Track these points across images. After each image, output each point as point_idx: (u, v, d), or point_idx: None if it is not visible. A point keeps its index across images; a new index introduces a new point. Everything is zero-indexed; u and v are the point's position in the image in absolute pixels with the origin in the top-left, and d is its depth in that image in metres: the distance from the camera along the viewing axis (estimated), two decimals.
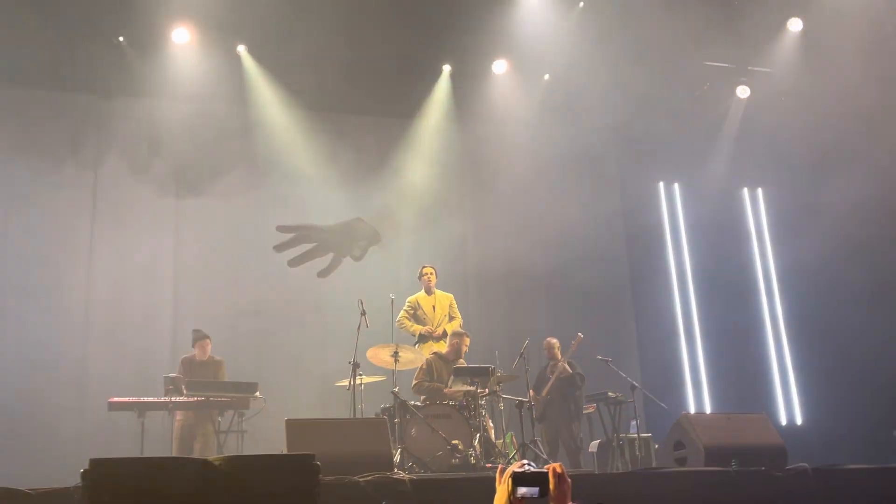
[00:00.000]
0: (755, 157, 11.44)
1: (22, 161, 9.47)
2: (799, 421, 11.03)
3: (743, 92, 10.93)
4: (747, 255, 11.80)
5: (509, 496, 2.44)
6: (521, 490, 2.43)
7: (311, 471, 3.63)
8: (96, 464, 3.38)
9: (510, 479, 2.45)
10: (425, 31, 9.70)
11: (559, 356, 8.45)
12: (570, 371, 8.23)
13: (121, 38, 9.10)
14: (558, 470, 2.46)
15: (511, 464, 6.07)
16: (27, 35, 8.76)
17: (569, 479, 2.47)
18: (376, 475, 4.44)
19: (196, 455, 7.71)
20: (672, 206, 11.80)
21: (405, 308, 8.37)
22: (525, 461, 2.51)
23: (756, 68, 10.78)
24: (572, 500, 2.47)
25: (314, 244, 10.21)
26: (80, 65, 9.29)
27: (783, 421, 10.87)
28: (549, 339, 8.67)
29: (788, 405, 11.13)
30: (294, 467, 3.66)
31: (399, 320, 8.27)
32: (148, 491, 3.39)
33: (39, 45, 8.86)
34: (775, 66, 10.61)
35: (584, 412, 8.57)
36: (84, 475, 3.34)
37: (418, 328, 8.26)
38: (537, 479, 2.44)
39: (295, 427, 4.94)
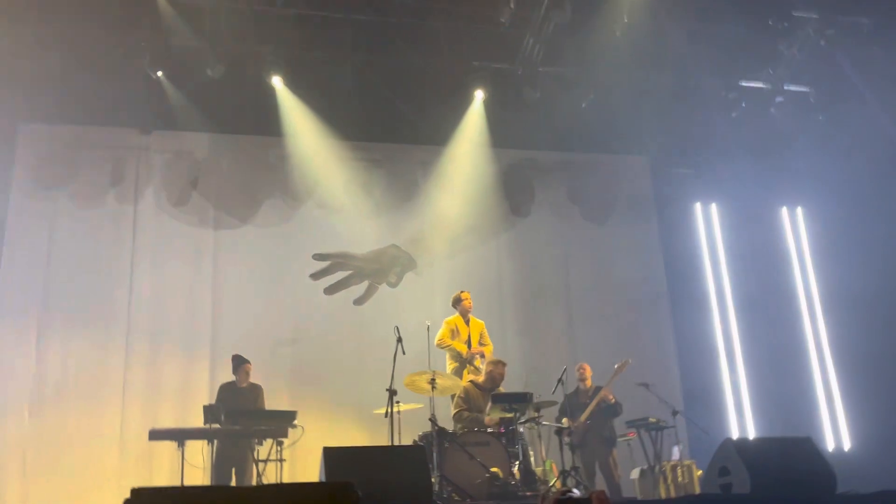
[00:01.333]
0: (794, 175, 11.29)
1: (65, 194, 9.68)
2: (846, 446, 10.74)
3: (777, 111, 10.80)
4: (788, 276, 11.58)
5: None
6: None
7: (350, 499, 3.60)
8: (137, 493, 3.39)
9: None
10: (457, 58, 9.77)
11: (590, 382, 8.37)
12: (613, 398, 8.14)
13: (159, 73, 9.27)
14: (602, 497, 2.43)
15: (551, 491, 6.02)
16: (68, 72, 9.00)
17: None
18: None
19: (234, 483, 7.72)
20: (709, 227, 11.65)
21: (444, 327, 8.33)
22: (567, 488, 2.47)
23: (792, 87, 10.66)
24: None
25: (350, 272, 10.30)
26: (120, 100, 9.50)
27: (830, 446, 10.60)
28: (581, 364, 8.59)
29: (835, 430, 10.84)
30: (333, 495, 3.63)
31: (439, 338, 8.23)
32: None
33: (80, 82, 9.09)
34: (812, 85, 10.50)
35: (624, 439, 8.44)
36: None
37: (459, 347, 8.21)
38: None
39: (333, 455, 4.91)
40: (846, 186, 10.75)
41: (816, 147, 10.80)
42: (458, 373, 8.14)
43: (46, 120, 9.66)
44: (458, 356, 8.21)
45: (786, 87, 10.56)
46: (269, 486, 3.55)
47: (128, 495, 5.81)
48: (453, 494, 6.44)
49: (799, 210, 11.94)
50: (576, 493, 2.50)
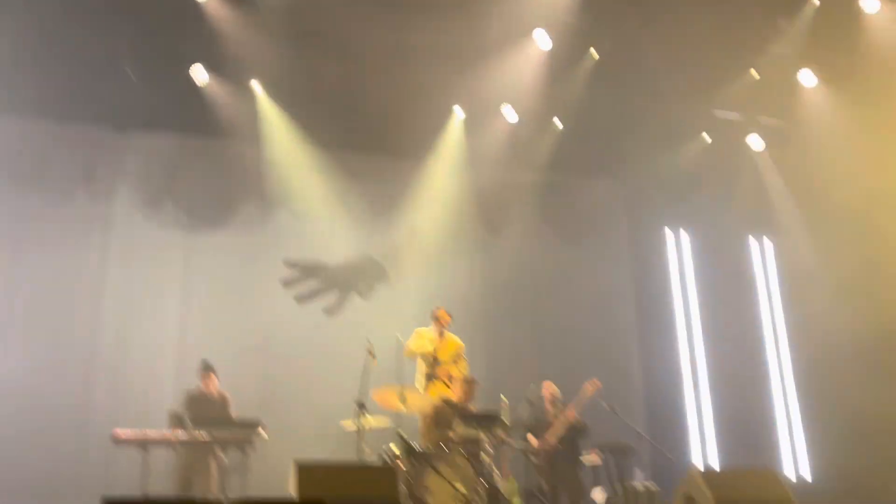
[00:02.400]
0: (763, 205, 11.48)
1: (34, 192, 9.50)
2: (808, 476, 10.89)
3: (754, 143, 10.99)
4: (755, 305, 11.75)
5: None
6: None
7: None
8: (109, 502, 3.35)
9: None
10: (437, 75, 9.81)
11: (554, 401, 8.40)
12: (579, 419, 8.19)
13: (131, 72, 9.15)
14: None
15: None
16: (41, 67, 8.85)
17: None
18: None
19: (197, 490, 7.64)
20: (680, 252, 11.81)
21: (414, 336, 8.32)
22: None
23: (766, 119, 10.86)
24: None
25: (321, 280, 10.28)
26: (94, 97, 9.37)
27: (791, 475, 10.73)
28: (546, 383, 8.60)
29: (795, 459, 11.00)
30: None
31: (406, 348, 8.22)
32: None
33: (53, 77, 8.94)
34: (785, 118, 10.70)
35: (590, 461, 8.49)
36: None
37: (424, 356, 8.20)
38: None
39: (304, 470, 4.89)
40: (815, 217, 10.94)
41: (787, 178, 11.02)
42: (428, 380, 8.14)
43: (18, 112, 9.48)
44: (426, 362, 8.20)
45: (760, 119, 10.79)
46: (243, 500, 3.53)
47: (91, 501, 5.74)
48: None
49: (765, 240, 12.14)
50: None
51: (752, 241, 12.11)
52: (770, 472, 5.62)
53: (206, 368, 8.12)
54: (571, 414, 8.16)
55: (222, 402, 8.07)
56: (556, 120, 10.57)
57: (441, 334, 8.38)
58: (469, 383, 7.81)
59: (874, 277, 9.82)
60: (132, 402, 9.05)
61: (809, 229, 10.98)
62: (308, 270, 10.22)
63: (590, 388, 8.18)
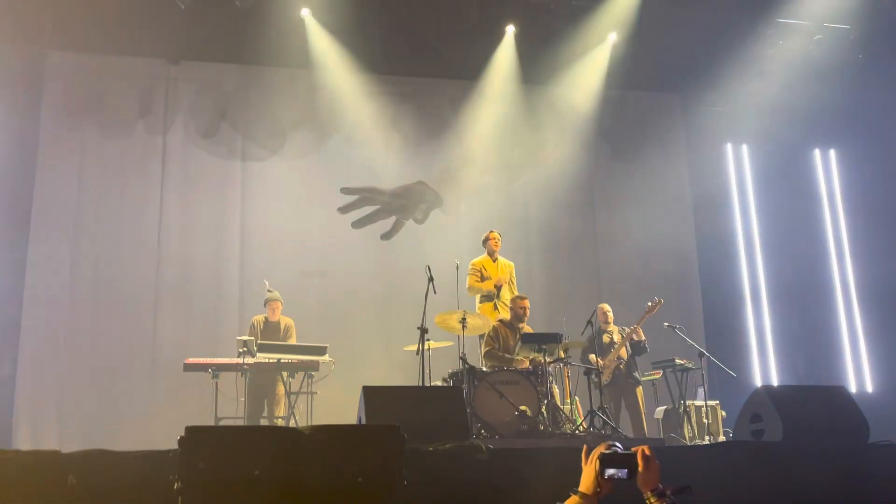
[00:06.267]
0: (828, 117, 11.08)
1: (93, 125, 9.66)
2: (870, 389, 10.81)
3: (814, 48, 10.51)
4: (818, 219, 11.48)
5: (597, 476, 2.43)
6: (610, 471, 2.42)
7: (396, 441, 3.68)
8: (192, 431, 3.47)
9: (598, 460, 2.44)
10: None
11: (612, 323, 8.39)
12: (643, 336, 8.19)
13: (186, 3, 9.16)
14: (647, 452, 2.44)
15: (578, 430, 6.07)
16: (95, 1, 8.88)
17: (658, 462, 2.45)
18: (454, 443, 4.48)
19: (267, 414, 7.90)
20: (740, 168, 11.51)
21: (470, 272, 8.35)
22: (612, 443, 2.48)
23: (832, 25, 10.38)
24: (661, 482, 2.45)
25: (377, 206, 10.31)
26: (148, 30, 9.41)
27: (853, 389, 10.64)
28: (601, 305, 8.58)
29: (859, 373, 10.90)
30: (380, 438, 3.71)
31: (468, 285, 8.26)
32: (240, 458, 3.47)
33: (108, 12, 8.99)
34: (852, 23, 10.22)
35: (650, 378, 8.53)
36: (181, 441, 3.43)
37: (487, 285, 8.22)
38: (626, 461, 2.42)
39: (372, 394, 5.00)
40: (881, 128, 10.55)
41: (853, 87, 10.58)
42: (487, 310, 8.17)
43: (74, 48, 9.56)
44: (488, 295, 8.23)
45: (824, 25, 10.31)
46: (319, 427, 3.62)
47: (165, 427, 5.97)
48: (482, 431, 6.55)
49: (832, 152, 11.76)
50: (619, 447, 2.51)
51: (817, 154, 11.74)
52: (839, 390, 5.56)
53: (273, 297, 8.26)
54: (636, 332, 8.16)
55: (287, 329, 8.24)
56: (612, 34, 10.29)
57: (494, 259, 8.37)
58: (519, 300, 7.79)
59: None
60: (200, 331, 9.31)
61: (876, 141, 10.59)
62: (363, 196, 10.24)
63: (654, 306, 8.15)
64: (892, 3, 9.92)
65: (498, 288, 8.18)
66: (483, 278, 8.27)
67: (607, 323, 8.39)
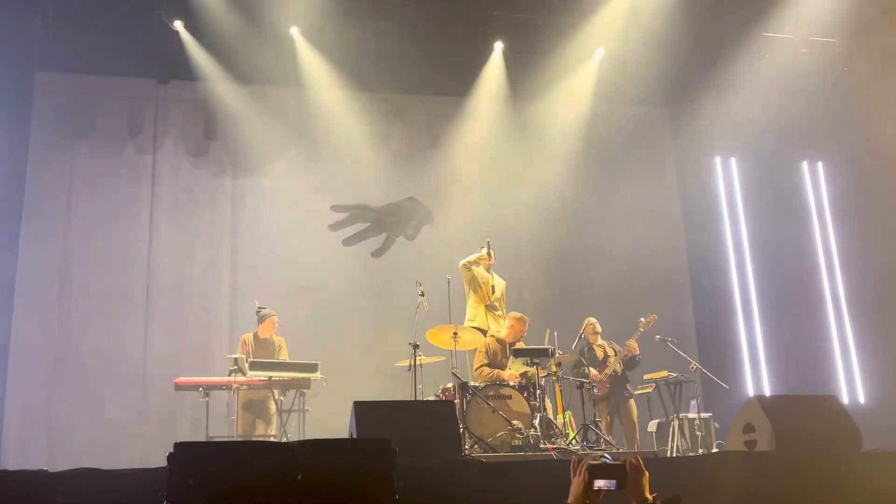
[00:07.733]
0: (815, 129, 11.16)
1: (83, 145, 9.66)
2: (862, 400, 10.81)
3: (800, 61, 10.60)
4: (807, 230, 11.53)
5: (586, 488, 2.42)
6: (599, 483, 2.41)
7: (388, 455, 3.67)
8: (181, 447, 3.45)
9: (587, 472, 2.43)
10: (477, 9, 9.63)
11: (599, 336, 8.39)
12: (637, 350, 8.19)
13: (176, 23, 9.23)
14: (635, 462, 2.44)
15: (571, 444, 6.05)
16: (85, 22, 8.91)
17: (646, 472, 2.44)
18: (447, 457, 4.47)
19: (258, 434, 7.85)
20: (729, 180, 11.57)
21: (472, 260, 8.29)
22: (602, 454, 2.48)
23: (817, 38, 10.48)
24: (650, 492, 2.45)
25: (368, 224, 10.31)
26: (137, 50, 9.46)
27: (845, 399, 10.64)
28: (589, 318, 8.57)
29: (850, 384, 10.91)
30: (371, 451, 3.69)
31: (467, 263, 8.22)
32: (230, 474, 3.45)
33: (98, 32, 9.03)
34: (837, 37, 10.32)
35: (643, 392, 8.52)
36: (170, 457, 3.40)
37: (481, 292, 8.19)
38: (615, 472, 2.42)
39: (363, 409, 4.98)
40: (868, 141, 10.62)
41: (840, 100, 10.67)
42: (480, 312, 8.14)
43: (64, 69, 9.57)
44: (481, 289, 8.19)
45: (810, 39, 10.41)
46: (310, 441, 3.60)
47: (156, 447, 5.93)
48: (476, 447, 6.52)
49: (820, 165, 11.83)
50: (609, 459, 2.50)
51: (805, 167, 11.81)
52: (831, 400, 5.56)
53: (267, 313, 8.23)
54: (632, 346, 8.16)
55: (279, 347, 8.21)
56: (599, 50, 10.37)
57: (489, 271, 8.37)
58: (519, 321, 7.80)
59: None
60: (191, 350, 9.26)
61: (863, 153, 10.66)
62: (354, 214, 10.24)
63: (647, 322, 8.16)
64: (877, 17, 10.01)
65: (492, 291, 8.20)
66: (478, 281, 8.23)
67: (596, 335, 8.38)
